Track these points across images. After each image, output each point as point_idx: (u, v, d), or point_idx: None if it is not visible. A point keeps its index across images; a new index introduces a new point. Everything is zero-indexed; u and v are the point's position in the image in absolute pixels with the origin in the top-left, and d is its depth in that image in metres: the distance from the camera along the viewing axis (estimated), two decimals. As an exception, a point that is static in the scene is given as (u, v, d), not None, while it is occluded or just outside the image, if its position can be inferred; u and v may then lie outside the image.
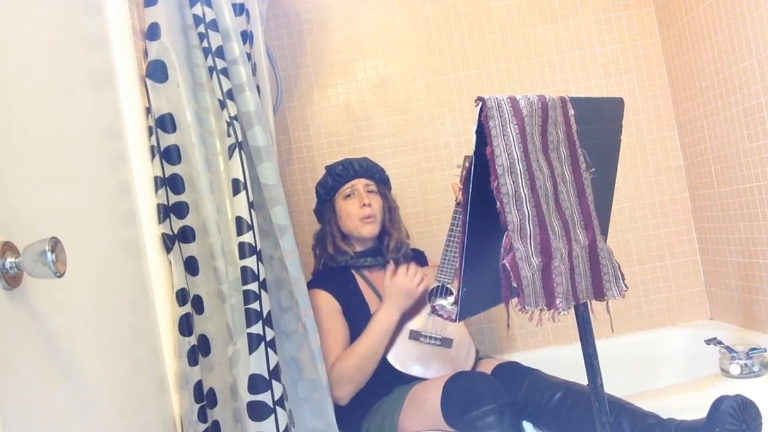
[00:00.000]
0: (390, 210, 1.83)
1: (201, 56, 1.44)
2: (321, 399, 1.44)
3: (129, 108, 1.32)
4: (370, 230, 1.74)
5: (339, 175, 1.78)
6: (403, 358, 1.65)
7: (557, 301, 0.97)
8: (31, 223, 0.89)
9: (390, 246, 1.78)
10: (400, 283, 1.63)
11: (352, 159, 1.83)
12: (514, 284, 0.92)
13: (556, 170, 1.01)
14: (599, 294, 1.07)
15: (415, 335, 1.68)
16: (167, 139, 1.37)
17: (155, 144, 1.37)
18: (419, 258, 1.89)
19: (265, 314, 1.29)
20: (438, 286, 1.71)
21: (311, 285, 1.73)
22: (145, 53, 1.41)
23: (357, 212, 1.74)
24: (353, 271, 1.77)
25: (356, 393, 1.59)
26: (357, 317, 1.69)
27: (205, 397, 1.33)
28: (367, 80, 2.20)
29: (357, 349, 1.59)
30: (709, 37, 1.84)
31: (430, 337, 1.68)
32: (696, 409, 1.28)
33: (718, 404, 1.22)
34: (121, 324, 1.14)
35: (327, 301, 1.68)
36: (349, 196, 1.77)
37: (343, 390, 1.56)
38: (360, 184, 1.77)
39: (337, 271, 1.76)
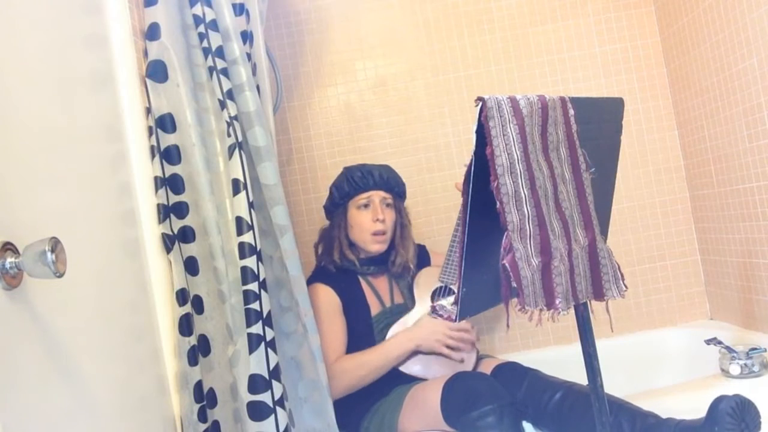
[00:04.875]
0: (402, 226, 1.77)
1: (201, 56, 1.44)
2: (321, 399, 1.44)
3: (129, 108, 1.32)
4: (379, 248, 1.71)
5: (357, 183, 1.70)
6: (404, 358, 1.65)
7: (557, 301, 0.97)
8: (31, 223, 0.89)
9: (396, 262, 1.75)
10: (436, 325, 1.60)
11: (372, 167, 1.74)
12: (514, 284, 0.92)
13: (556, 170, 1.01)
14: (599, 294, 1.07)
15: (415, 335, 1.67)
16: (167, 139, 1.37)
17: (155, 144, 1.37)
18: (421, 252, 1.87)
19: (265, 314, 1.29)
20: (441, 287, 1.71)
21: (314, 279, 1.71)
22: (145, 53, 1.41)
23: (369, 226, 1.69)
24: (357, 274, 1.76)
25: (354, 393, 1.59)
26: (357, 317, 1.68)
27: (205, 397, 1.33)
28: (367, 80, 2.20)
29: (363, 359, 1.59)
30: (709, 37, 1.84)
31: (430, 337, 1.67)
32: (696, 409, 1.28)
33: (716, 404, 1.22)
34: (121, 324, 1.14)
35: (329, 297, 1.67)
36: (363, 206, 1.71)
37: (334, 390, 1.54)
38: (377, 196, 1.71)
39: (342, 269, 1.74)
